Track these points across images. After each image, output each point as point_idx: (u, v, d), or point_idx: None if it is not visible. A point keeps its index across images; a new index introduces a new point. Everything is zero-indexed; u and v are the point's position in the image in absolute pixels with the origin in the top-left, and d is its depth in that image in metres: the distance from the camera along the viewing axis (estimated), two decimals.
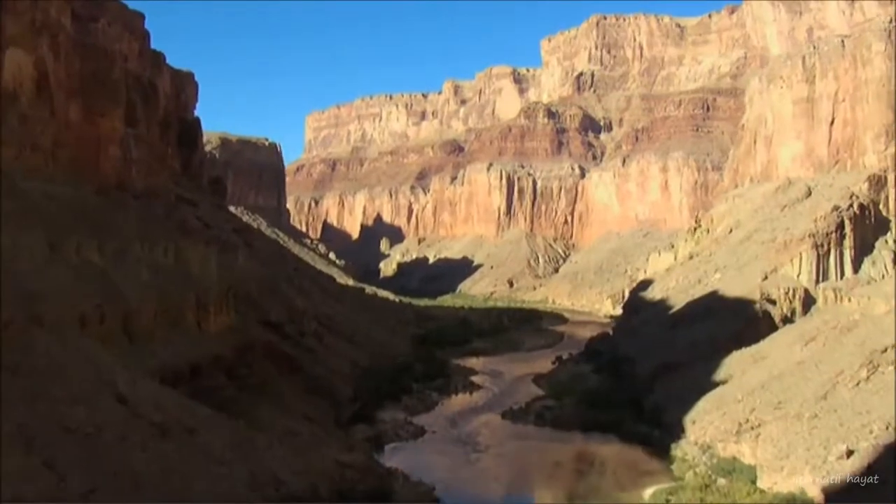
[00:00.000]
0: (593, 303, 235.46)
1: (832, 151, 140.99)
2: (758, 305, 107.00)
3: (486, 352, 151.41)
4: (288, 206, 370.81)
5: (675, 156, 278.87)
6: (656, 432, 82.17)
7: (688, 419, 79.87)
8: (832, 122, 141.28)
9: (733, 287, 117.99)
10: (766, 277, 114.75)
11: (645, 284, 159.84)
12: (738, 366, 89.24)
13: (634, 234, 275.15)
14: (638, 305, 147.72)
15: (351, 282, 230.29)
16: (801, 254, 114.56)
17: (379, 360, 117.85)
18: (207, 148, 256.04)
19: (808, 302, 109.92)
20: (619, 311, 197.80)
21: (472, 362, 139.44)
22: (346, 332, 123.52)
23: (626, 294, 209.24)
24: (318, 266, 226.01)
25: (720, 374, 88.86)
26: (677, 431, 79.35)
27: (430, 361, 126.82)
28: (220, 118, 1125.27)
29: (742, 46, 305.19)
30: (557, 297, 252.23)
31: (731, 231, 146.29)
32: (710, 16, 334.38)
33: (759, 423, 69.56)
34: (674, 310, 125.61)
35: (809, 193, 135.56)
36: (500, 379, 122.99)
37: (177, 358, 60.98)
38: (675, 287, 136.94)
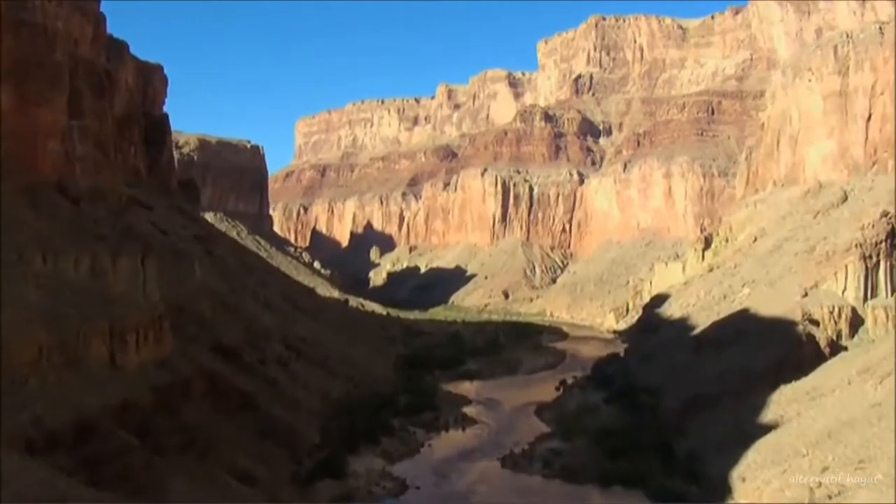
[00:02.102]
0: (594, 316, 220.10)
1: (869, 151, 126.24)
2: (800, 327, 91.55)
3: (481, 375, 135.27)
4: (276, 212, 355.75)
5: (679, 161, 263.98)
6: (694, 489, 66.50)
7: (735, 475, 63.96)
8: (869, 118, 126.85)
9: (767, 305, 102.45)
10: (805, 294, 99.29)
11: (660, 300, 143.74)
12: (789, 404, 73.45)
13: (636, 243, 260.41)
14: (654, 324, 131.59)
15: (336, 293, 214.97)
16: (846, 266, 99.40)
17: (357, 389, 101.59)
18: (185, 150, 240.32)
19: (856, 323, 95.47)
20: (622, 325, 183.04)
21: (465, 388, 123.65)
22: (320, 356, 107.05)
23: (630, 307, 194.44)
24: (300, 276, 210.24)
25: (768, 415, 73.07)
26: (722, 490, 63.54)
27: (416, 390, 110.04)
28: (209, 123, 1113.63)
29: (747, 48, 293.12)
30: (556, 310, 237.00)
31: (755, 240, 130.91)
32: (712, 17, 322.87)
33: (839, 490, 53.53)
34: (697, 331, 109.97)
35: (846, 198, 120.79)
36: (497, 410, 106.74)
37: (60, 411, 44.49)
38: (697, 304, 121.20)
